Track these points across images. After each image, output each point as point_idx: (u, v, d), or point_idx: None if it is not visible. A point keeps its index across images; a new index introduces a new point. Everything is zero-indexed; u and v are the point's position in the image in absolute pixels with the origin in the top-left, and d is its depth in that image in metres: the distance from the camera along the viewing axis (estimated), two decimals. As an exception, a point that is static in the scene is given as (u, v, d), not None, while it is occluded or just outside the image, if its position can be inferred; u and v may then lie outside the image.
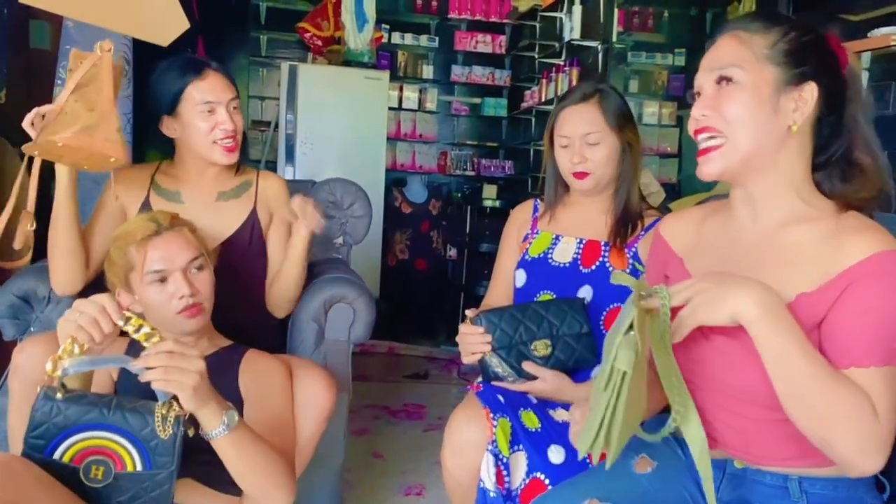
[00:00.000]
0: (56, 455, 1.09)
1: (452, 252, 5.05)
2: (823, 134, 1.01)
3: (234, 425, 1.11)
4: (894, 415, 0.89)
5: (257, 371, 1.41)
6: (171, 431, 1.08)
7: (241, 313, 1.57)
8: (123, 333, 1.13)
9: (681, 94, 4.49)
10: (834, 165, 1.01)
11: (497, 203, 4.72)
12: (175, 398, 1.08)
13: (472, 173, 5.44)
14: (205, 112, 1.60)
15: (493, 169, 5.45)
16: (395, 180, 5.05)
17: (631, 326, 0.89)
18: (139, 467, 1.09)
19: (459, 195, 5.33)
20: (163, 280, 1.32)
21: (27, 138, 1.38)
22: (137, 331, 1.09)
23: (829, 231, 0.97)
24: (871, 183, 1.00)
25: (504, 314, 1.46)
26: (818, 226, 0.98)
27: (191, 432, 1.11)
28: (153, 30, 1.68)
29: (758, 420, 1.01)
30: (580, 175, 1.52)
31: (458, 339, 1.47)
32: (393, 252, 4.86)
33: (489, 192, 4.84)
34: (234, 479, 1.18)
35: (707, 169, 1.02)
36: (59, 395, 1.08)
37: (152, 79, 1.66)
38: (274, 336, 1.77)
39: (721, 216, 1.11)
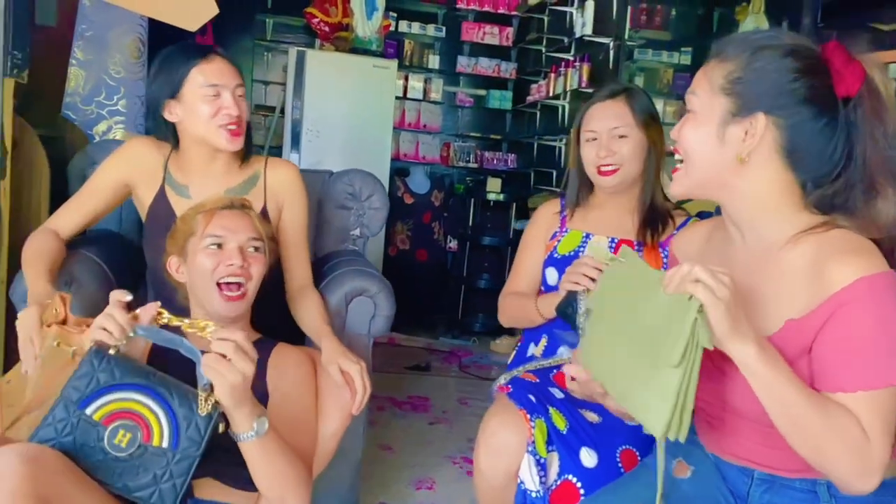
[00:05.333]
0: (89, 410, 1.07)
1: (453, 244, 5.03)
2: (804, 160, 0.98)
3: (263, 433, 1.14)
4: (886, 437, 0.90)
5: (286, 366, 1.41)
6: (209, 410, 1.09)
7: (259, 304, 1.55)
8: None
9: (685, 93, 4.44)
10: (849, 187, 0.98)
11: (500, 196, 4.70)
12: (212, 388, 1.09)
13: (475, 165, 5.42)
14: (209, 95, 1.58)
15: (495, 162, 5.43)
16: (398, 170, 5.02)
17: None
18: (165, 444, 1.08)
19: (462, 187, 5.31)
20: (218, 247, 1.36)
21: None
22: (202, 329, 1.12)
23: (814, 254, 0.96)
24: (887, 213, 0.96)
25: None
26: (807, 250, 0.97)
27: (221, 427, 1.12)
28: (182, 13, 1.65)
29: (785, 446, 1.02)
30: (606, 172, 1.53)
31: (576, 261, 1.39)
32: (394, 242, 4.84)
33: (493, 185, 4.82)
34: (253, 479, 1.19)
35: (671, 189, 1.08)
36: (111, 351, 1.07)
37: (156, 63, 1.65)
38: (295, 327, 1.74)
39: (723, 232, 1.12)
